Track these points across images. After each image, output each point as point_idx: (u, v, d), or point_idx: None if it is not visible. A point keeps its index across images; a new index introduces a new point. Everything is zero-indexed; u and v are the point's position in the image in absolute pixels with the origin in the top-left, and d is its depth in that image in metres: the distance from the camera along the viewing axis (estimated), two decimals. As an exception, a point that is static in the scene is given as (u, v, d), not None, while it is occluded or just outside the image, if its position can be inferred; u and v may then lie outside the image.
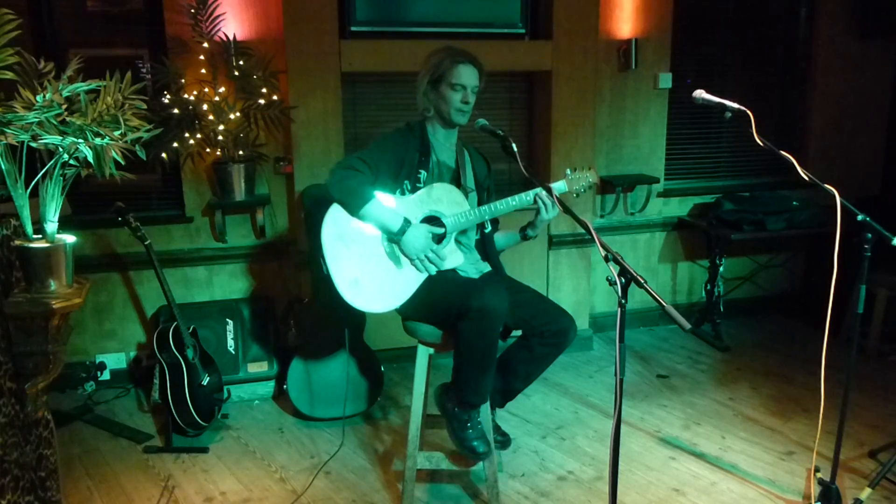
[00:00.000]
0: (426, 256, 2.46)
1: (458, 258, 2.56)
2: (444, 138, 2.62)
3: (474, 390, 2.41)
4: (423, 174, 2.54)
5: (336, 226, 2.43)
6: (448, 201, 2.53)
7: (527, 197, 2.47)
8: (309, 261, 3.51)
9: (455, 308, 2.33)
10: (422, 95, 2.55)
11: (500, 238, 2.76)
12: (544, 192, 2.41)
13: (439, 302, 2.42)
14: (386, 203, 2.45)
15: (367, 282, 2.44)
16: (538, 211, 2.47)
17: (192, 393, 3.07)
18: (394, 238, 2.44)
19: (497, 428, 2.99)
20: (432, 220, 2.52)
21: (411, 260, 2.47)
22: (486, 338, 2.32)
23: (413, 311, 2.52)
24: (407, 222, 2.41)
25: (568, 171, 2.56)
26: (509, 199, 2.48)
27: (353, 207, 2.38)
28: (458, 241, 2.58)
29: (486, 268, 2.69)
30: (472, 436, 2.47)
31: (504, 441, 3.00)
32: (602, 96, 4.09)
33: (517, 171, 2.33)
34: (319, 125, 3.54)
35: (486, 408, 2.49)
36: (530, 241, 2.73)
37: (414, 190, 2.53)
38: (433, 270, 2.49)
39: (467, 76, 2.49)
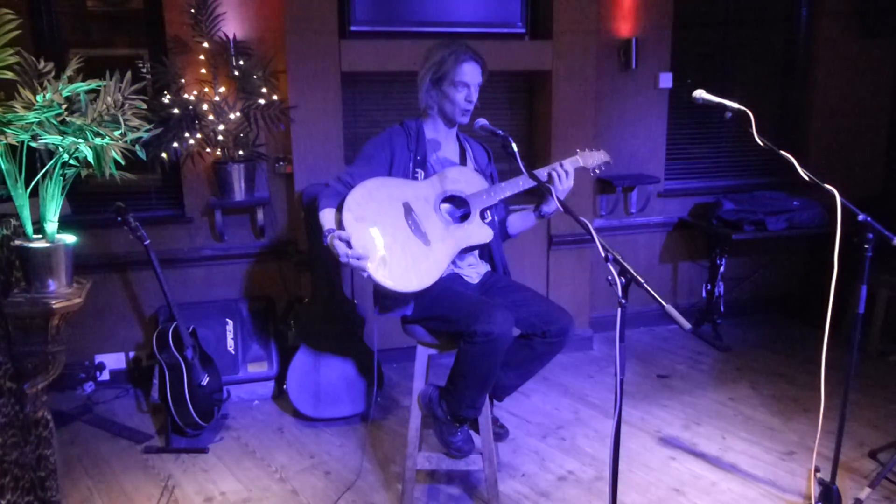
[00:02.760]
0: (349, 259, 2.25)
1: (486, 233, 2.50)
2: (446, 135, 2.61)
3: (470, 406, 2.41)
4: (420, 174, 2.52)
5: (352, 210, 2.31)
6: (465, 181, 2.52)
7: (541, 173, 2.47)
8: (309, 261, 3.51)
9: (461, 326, 2.31)
10: (424, 94, 2.52)
11: (515, 220, 2.73)
12: (558, 167, 2.45)
13: (445, 315, 2.40)
14: (396, 185, 2.43)
15: (396, 259, 2.32)
16: (552, 181, 2.46)
17: (192, 393, 3.07)
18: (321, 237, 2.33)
19: (495, 420, 3.00)
20: (454, 199, 2.50)
21: (342, 264, 2.32)
22: (489, 362, 2.31)
23: (418, 317, 2.50)
24: (329, 231, 2.28)
25: (578, 151, 2.57)
26: (525, 175, 2.39)
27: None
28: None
29: (485, 268, 2.69)
30: (461, 438, 2.50)
31: (502, 433, 3.02)
32: (602, 96, 4.09)
33: (517, 170, 2.32)
34: (319, 125, 3.54)
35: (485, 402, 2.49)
36: (530, 242, 2.72)
37: None
38: (361, 269, 2.30)
39: (471, 74, 2.46)
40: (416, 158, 2.52)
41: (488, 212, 2.58)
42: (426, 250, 2.39)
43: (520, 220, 2.73)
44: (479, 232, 2.49)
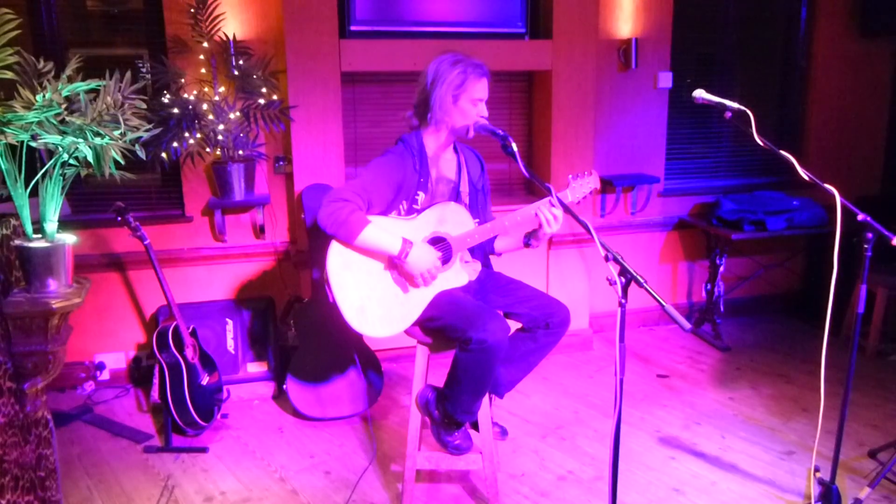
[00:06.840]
0: (428, 272, 2.41)
1: (462, 278, 2.55)
2: (445, 147, 2.58)
3: (465, 410, 2.42)
4: (420, 196, 2.51)
5: (342, 255, 2.38)
6: (454, 222, 2.51)
7: (530, 211, 2.44)
8: (308, 261, 3.51)
9: (457, 332, 2.32)
10: (438, 109, 2.43)
11: (500, 242, 2.74)
12: (545, 207, 2.40)
13: (443, 319, 2.41)
14: (385, 227, 2.40)
15: (373, 308, 2.41)
16: (541, 224, 2.46)
17: (192, 393, 3.07)
18: (397, 261, 2.39)
19: (494, 424, 3.00)
20: (437, 241, 2.52)
21: (414, 277, 2.42)
22: (484, 369, 2.32)
23: (417, 320, 2.51)
24: (407, 243, 2.37)
25: (570, 178, 2.54)
26: (512, 215, 2.45)
27: (349, 237, 2.33)
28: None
29: (479, 265, 2.70)
30: (458, 438, 2.51)
31: (500, 431, 3.03)
32: (602, 96, 4.09)
33: (517, 170, 2.32)
34: (319, 125, 3.54)
35: (484, 402, 2.50)
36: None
37: (410, 211, 2.50)
38: (429, 284, 2.45)
39: (485, 89, 2.46)
40: (420, 180, 2.51)
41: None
42: (403, 298, 2.46)
43: (505, 244, 2.73)
44: (456, 277, 2.53)
